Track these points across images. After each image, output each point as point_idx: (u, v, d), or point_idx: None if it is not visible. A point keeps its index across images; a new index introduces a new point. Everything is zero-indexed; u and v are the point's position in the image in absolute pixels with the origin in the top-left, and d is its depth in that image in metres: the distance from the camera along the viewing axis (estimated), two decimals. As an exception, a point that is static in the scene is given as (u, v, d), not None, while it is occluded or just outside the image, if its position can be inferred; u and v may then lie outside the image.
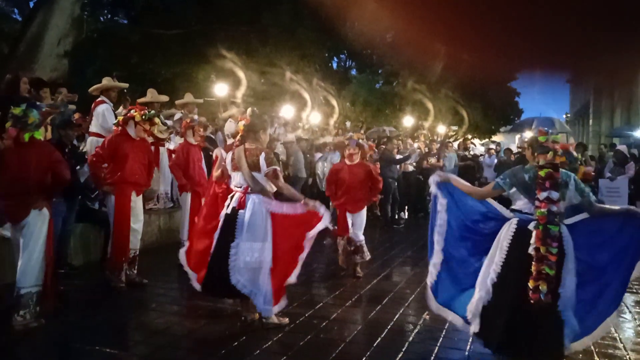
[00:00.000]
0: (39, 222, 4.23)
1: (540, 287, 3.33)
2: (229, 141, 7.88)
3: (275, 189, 4.39)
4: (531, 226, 3.48)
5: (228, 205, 4.37)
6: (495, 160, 12.74)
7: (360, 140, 6.31)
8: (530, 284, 3.37)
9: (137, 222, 5.70)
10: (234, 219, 4.27)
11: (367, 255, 6.34)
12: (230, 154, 4.46)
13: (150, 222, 7.48)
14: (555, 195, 3.39)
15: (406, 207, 12.47)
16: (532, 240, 3.43)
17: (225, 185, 4.71)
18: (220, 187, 4.78)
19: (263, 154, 4.30)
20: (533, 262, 3.38)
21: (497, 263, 3.59)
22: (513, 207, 3.71)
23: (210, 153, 8.70)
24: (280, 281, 4.30)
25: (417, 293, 5.56)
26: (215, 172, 4.71)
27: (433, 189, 4.04)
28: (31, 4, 14.49)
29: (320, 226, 4.28)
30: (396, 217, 11.34)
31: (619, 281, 3.55)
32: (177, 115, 8.25)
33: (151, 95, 8.13)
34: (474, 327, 3.64)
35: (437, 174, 4.14)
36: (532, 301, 3.35)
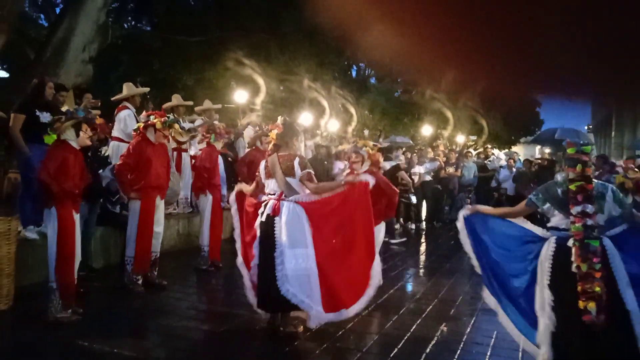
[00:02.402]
0: (49, 221, 4.48)
1: (588, 307, 3.14)
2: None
3: (308, 192, 4.35)
4: (570, 243, 3.31)
5: (262, 213, 4.33)
6: (514, 172, 12.60)
7: (364, 149, 5.80)
8: (580, 305, 3.17)
9: (159, 226, 5.80)
10: (271, 227, 4.23)
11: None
12: (263, 162, 4.48)
13: (169, 227, 7.56)
14: (590, 208, 3.24)
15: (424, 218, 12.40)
16: (573, 258, 3.26)
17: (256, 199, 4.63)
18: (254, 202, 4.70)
19: (297, 159, 4.31)
20: (578, 282, 3.20)
21: (545, 286, 3.43)
22: (549, 224, 3.57)
23: (230, 159, 8.80)
24: (332, 288, 4.16)
25: (434, 304, 5.52)
26: (250, 187, 4.67)
27: (460, 225, 3.89)
28: (57, 10, 14.83)
29: (370, 183, 4.25)
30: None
31: None
32: (198, 121, 8.35)
33: (177, 100, 8.28)
34: (542, 356, 3.42)
35: (466, 207, 4.01)
36: (586, 323, 3.15)
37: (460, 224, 3.92)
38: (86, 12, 8.64)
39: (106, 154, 7.15)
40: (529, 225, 3.70)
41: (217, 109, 9.25)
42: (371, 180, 4.30)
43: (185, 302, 5.36)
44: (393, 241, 9.37)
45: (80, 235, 4.69)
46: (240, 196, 4.78)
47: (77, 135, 4.57)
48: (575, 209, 3.28)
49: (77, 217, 4.64)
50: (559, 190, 3.46)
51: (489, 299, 3.81)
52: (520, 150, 25.39)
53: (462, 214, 3.94)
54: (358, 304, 4.28)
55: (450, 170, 12.22)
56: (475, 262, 3.87)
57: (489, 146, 20.93)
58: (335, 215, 4.27)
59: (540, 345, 3.47)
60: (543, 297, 3.45)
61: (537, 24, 0.82)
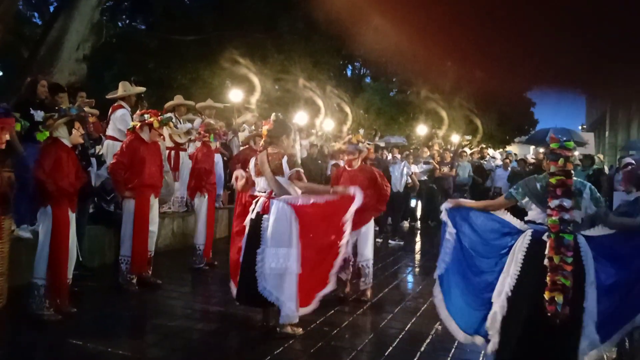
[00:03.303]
0: (42, 220, 4.49)
1: (555, 298, 3.23)
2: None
3: (300, 192, 4.36)
4: (545, 236, 3.39)
5: (253, 210, 4.37)
6: (509, 171, 12.63)
7: (360, 144, 5.66)
8: (546, 296, 3.26)
9: (153, 224, 5.81)
10: (259, 225, 4.27)
11: (370, 280, 5.55)
12: (253, 159, 4.49)
13: (164, 226, 7.54)
14: (567, 202, 3.31)
15: (419, 217, 12.43)
16: (547, 251, 3.33)
17: (250, 194, 4.68)
18: (247, 196, 4.78)
19: (285, 157, 4.31)
20: (548, 273, 3.28)
21: (512, 276, 3.50)
22: (527, 218, 3.65)
23: (225, 159, 8.78)
24: (308, 287, 4.24)
25: (429, 303, 5.52)
26: (240, 182, 4.65)
27: (444, 216, 3.94)
28: (51, 8, 14.77)
29: (354, 206, 4.22)
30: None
31: None
32: (197, 122, 8.30)
33: (178, 99, 8.28)
34: (493, 345, 3.54)
35: (448, 200, 4.06)
36: (549, 314, 3.24)
37: (444, 216, 3.95)
38: (80, 11, 8.60)
39: (100, 153, 7.13)
40: (508, 217, 3.76)
41: (218, 107, 9.24)
42: (359, 194, 4.28)
43: (180, 301, 5.35)
44: (392, 241, 9.40)
45: (75, 235, 4.68)
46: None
47: (70, 133, 4.56)
48: (553, 202, 3.35)
49: (72, 216, 4.63)
50: (538, 185, 3.53)
51: (437, 292, 3.90)
52: (515, 150, 25.44)
53: (445, 206, 3.96)
54: (311, 306, 4.31)
55: (445, 169, 12.25)
56: (444, 257, 3.89)
57: (484, 146, 20.99)
58: (323, 221, 4.31)
59: (489, 330, 3.57)
60: (503, 285, 3.53)
61: (534, 20, 0.82)
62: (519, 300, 3.46)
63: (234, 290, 4.56)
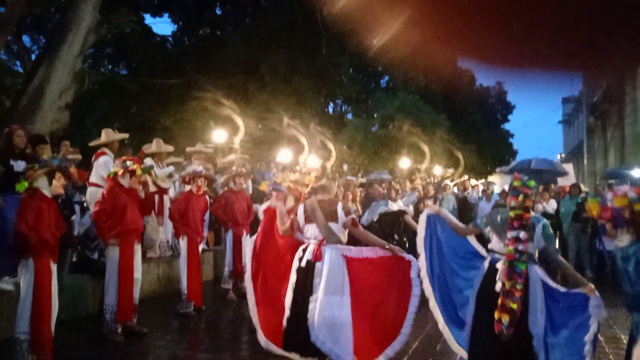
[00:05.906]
0: (24, 273, 4.38)
1: (502, 319, 3.52)
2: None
3: (346, 239, 4.26)
4: (499, 265, 3.69)
5: (301, 259, 4.18)
6: (493, 203, 12.74)
7: (284, 184, 5.16)
8: (496, 315, 3.55)
9: (137, 271, 5.71)
10: (311, 272, 4.09)
11: None
12: (302, 206, 4.36)
13: (149, 271, 7.43)
14: (523, 235, 3.59)
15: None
16: (498, 276, 3.63)
17: (290, 238, 4.49)
18: (284, 240, 4.55)
19: (340, 204, 4.25)
20: (499, 296, 3.57)
21: (473, 298, 3.83)
22: (489, 246, 3.93)
23: (211, 200, 8.76)
24: (365, 339, 4.05)
25: (420, 340, 5.49)
26: (282, 227, 4.45)
27: (422, 218, 4.30)
28: (33, 57, 14.84)
29: (413, 273, 4.06)
30: None
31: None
32: (191, 167, 8.30)
33: (157, 145, 8.23)
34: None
35: (431, 207, 4.42)
36: (496, 332, 3.53)
37: (422, 219, 4.30)
38: (62, 60, 8.64)
39: (83, 200, 7.09)
40: (475, 243, 4.17)
41: (207, 152, 9.31)
42: (414, 262, 4.13)
43: (166, 350, 5.24)
44: None
45: (57, 286, 4.60)
46: (269, 212, 4.65)
47: (50, 183, 4.54)
48: (510, 234, 3.65)
49: (54, 267, 4.55)
50: (498, 218, 3.85)
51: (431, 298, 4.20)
52: (497, 180, 25.77)
53: (427, 211, 4.34)
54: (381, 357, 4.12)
55: (429, 203, 12.28)
56: (423, 260, 4.19)
57: (467, 177, 21.23)
58: (375, 278, 4.18)
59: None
60: (471, 308, 3.86)
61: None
62: (479, 323, 3.76)
63: (261, 338, 4.38)
